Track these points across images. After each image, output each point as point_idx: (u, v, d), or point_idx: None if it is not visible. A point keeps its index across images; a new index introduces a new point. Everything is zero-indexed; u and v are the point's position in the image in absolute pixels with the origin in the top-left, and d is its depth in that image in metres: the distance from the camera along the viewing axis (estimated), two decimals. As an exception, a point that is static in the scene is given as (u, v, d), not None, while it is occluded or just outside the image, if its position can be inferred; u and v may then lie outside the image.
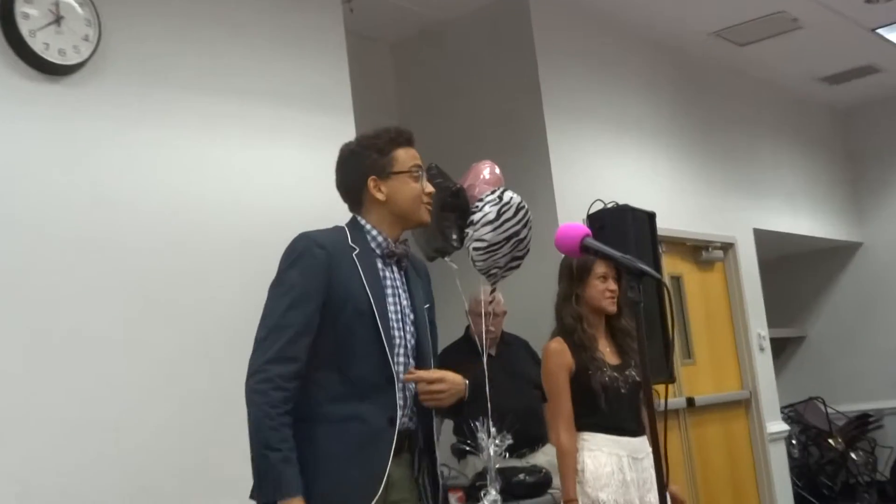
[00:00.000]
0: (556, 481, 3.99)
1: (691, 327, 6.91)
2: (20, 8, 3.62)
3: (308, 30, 4.66)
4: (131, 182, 3.87)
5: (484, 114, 6.03)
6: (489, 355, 4.64)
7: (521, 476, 4.37)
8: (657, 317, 4.97)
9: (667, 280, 6.24)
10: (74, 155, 3.73)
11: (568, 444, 3.67)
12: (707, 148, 7.38)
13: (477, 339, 4.64)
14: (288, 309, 2.55)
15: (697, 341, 6.96)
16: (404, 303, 2.72)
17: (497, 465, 3.75)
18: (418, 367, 2.73)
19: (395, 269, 2.76)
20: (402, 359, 2.68)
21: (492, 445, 3.71)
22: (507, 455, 3.81)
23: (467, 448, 3.87)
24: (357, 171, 2.75)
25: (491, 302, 4.86)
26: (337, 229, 2.74)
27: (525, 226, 4.26)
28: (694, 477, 6.58)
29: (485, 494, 3.73)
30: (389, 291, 2.69)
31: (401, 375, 2.66)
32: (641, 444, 3.77)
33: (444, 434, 4.71)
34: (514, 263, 4.33)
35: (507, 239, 4.20)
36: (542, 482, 4.44)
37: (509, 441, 3.75)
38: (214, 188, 4.16)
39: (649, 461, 3.68)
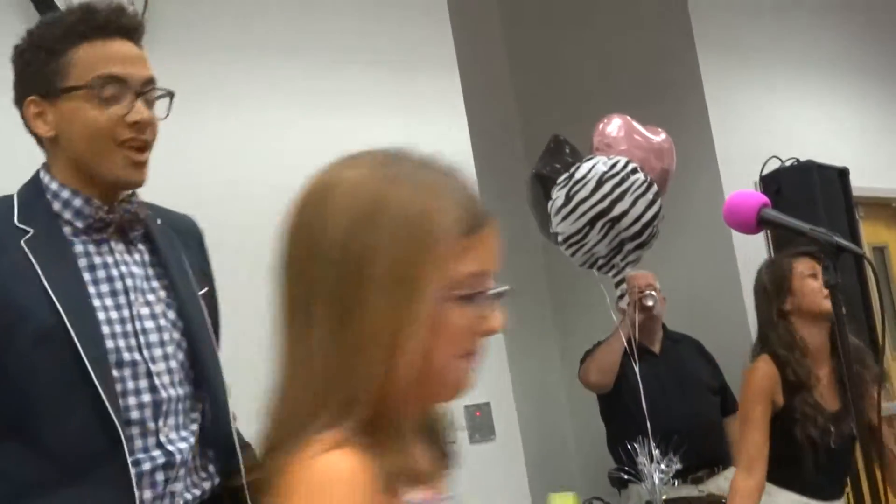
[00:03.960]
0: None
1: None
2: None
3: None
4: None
5: (617, 58, 5.09)
6: (651, 353, 4.19)
7: (694, 508, 3.79)
8: (859, 303, 4.26)
9: (868, 253, 5.27)
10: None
11: (744, 487, 3.09)
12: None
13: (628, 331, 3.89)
14: None
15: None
16: (150, 298, 1.77)
17: (664, 497, 3.19)
18: (203, 398, 1.79)
19: (121, 247, 1.79)
20: (147, 398, 1.72)
21: (656, 472, 3.16)
22: (678, 482, 3.33)
23: (625, 476, 3.36)
24: (20, 85, 1.80)
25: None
26: (2, 200, 1.80)
27: (622, 199, 3.55)
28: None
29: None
30: (105, 289, 1.73)
31: (147, 426, 1.70)
32: None
33: (600, 458, 4.30)
34: (629, 246, 3.67)
35: (590, 223, 3.57)
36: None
37: (677, 466, 3.20)
38: (302, 163, 3.45)
39: None
